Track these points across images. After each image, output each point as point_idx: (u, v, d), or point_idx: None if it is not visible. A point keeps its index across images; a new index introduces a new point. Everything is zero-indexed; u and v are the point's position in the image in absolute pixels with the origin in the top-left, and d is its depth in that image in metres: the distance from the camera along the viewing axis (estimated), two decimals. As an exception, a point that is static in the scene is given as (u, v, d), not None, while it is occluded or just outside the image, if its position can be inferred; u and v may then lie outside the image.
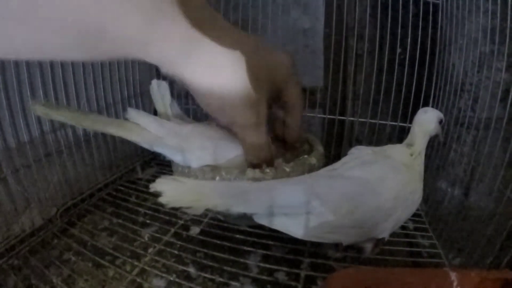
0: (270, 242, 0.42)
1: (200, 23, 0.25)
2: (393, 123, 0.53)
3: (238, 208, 0.29)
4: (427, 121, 0.40)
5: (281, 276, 0.39)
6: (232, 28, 0.31)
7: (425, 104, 0.52)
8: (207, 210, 0.31)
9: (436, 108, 0.52)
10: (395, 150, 0.38)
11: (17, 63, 0.42)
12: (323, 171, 0.37)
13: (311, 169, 0.38)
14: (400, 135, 0.52)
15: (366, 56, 0.54)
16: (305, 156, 0.40)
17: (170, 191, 0.28)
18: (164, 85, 0.48)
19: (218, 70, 0.28)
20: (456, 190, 0.49)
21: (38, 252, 0.44)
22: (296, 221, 0.30)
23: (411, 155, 0.39)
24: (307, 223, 0.29)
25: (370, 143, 0.55)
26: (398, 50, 0.51)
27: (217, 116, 0.32)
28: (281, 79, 0.34)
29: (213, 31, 0.27)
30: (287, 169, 0.36)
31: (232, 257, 0.40)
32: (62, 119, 0.39)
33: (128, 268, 0.41)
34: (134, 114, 0.41)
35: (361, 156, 0.37)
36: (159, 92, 0.47)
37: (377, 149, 0.39)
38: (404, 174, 0.35)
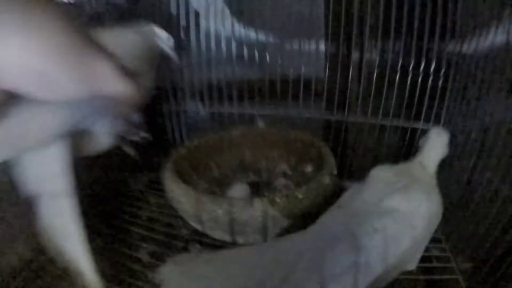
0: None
1: None
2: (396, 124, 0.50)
3: None
4: (442, 143, 0.38)
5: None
6: None
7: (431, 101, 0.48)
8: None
9: (443, 105, 0.49)
10: (415, 170, 0.36)
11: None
12: (359, 202, 0.32)
13: (325, 189, 0.35)
14: (402, 136, 0.50)
15: (371, 49, 0.49)
16: (324, 175, 0.36)
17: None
18: None
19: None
20: (462, 192, 0.48)
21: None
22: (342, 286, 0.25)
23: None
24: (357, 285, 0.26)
25: (372, 142, 0.52)
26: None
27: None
28: None
29: None
30: (300, 196, 0.33)
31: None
32: None
33: None
34: None
35: (387, 180, 0.33)
36: None
37: (397, 169, 0.35)
38: (432, 197, 0.33)
